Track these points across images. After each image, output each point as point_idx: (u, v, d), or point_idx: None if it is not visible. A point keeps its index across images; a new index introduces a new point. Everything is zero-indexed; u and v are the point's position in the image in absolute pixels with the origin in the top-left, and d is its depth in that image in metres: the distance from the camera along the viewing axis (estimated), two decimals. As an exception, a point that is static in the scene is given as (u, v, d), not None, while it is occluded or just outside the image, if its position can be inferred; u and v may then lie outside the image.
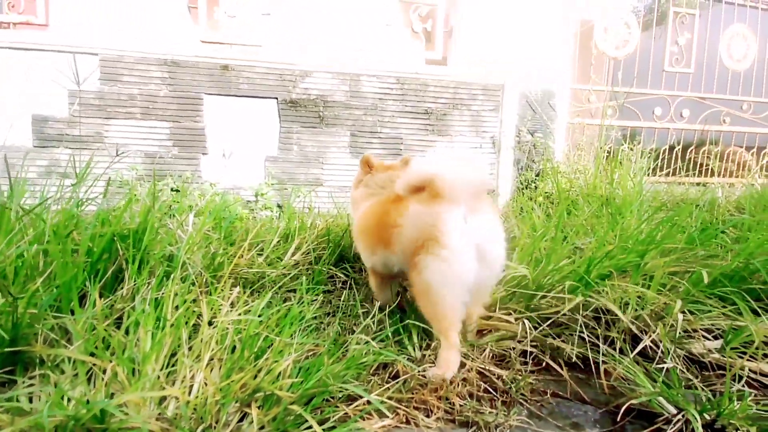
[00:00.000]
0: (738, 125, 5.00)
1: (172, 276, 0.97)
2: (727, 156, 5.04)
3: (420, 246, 1.07)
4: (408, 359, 0.97)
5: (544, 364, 0.99)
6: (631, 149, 2.68)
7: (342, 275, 1.51)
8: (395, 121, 3.81)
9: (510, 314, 1.09)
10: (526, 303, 1.12)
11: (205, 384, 0.71)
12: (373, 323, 1.10)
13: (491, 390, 0.91)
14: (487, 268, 1.08)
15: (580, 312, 1.02)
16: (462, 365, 0.97)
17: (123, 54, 3.26)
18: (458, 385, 0.90)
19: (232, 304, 1.01)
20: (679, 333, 0.97)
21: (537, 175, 3.75)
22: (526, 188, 3.69)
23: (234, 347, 0.81)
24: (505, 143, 4.01)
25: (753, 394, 0.83)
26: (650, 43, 4.67)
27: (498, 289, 1.17)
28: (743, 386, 0.84)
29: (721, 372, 0.92)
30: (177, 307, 0.87)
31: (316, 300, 1.26)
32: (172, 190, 3.03)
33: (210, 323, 0.86)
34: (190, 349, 0.80)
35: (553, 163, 3.85)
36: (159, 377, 0.72)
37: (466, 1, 3.92)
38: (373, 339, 0.98)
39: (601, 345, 0.98)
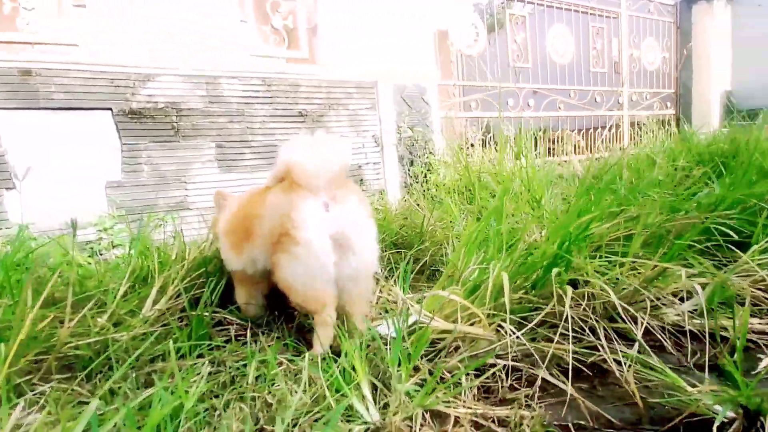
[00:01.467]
0: (570, 110, 5.81)
1: None
2: (565, 138, 5.87)
3: (276, 242, 1.00)
4: (365, 429, 0.65)
5: (538, 380, 0.77)
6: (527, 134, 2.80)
7: (236, 319, 1.11)
8: (267, 126, 3.39)
9: (478, 321, 0.86)
10: (493, 303, 0.90)
11: None
12: (299, 385, 0.75)
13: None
14: (353, 259, 1.03)
15: (566, 301, 0.83)
16: (445, 418, 0.69)
17: None
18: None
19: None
20: (650, 303, 0.87)
21: (428, 170, 3.72)
22: (417, 182, 3.64)
23: None
24: (387, 141, 3.91)
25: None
26: (496, 42, 5.13)
27: (455, 291, 0.93)
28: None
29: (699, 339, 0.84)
30: None
31: (199, 367, 0.84)
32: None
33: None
34: None
35: (436, 156, 3.88)
36: None
37: (327, -3, 3.71)
38: (307, 411, 0.64)
39: (605, 343, 0.78)
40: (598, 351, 0.80)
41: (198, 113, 3.11)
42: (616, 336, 0.82)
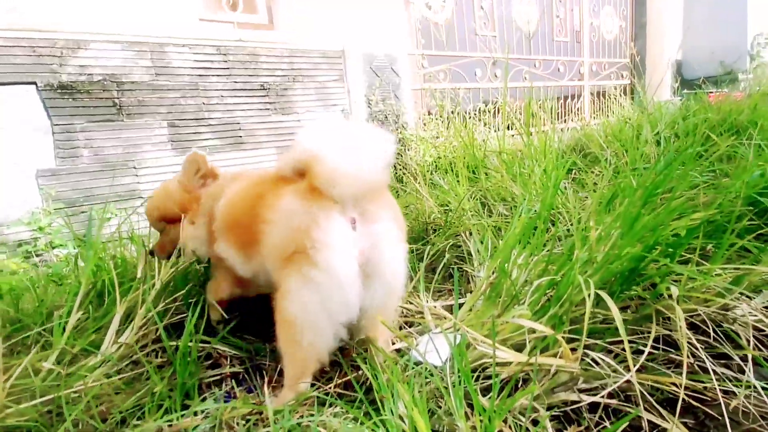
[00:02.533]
0: (535, 81, 5.76)
1: None
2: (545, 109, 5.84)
3: (287, 258, 0.78)
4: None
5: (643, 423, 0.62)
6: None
7: (229, 350, 0.89)
8: (225, 102, 3.05)
9: (556, 352, 0.68)
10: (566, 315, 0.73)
11: None
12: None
13: None
14: (379, 289, 0.83)
15: (678, 322, 0.66)
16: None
17: None
18: None
19: None
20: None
21: (403, 146, 3.53)
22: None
23: None
24: (357, 115, 3.66)
25: None
26: (462, 8, 4.92)
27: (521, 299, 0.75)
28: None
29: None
30: None
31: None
32: None
33: None
34: None
35: (408, 130, 3.70)
36: None
37: (284, -47, 3.32)
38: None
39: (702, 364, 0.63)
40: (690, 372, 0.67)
41: (144, 87, 2.71)
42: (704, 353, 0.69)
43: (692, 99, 4.49)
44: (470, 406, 0.61)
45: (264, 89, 3.20)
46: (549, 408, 0.63)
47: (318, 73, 3.46)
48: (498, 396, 0.56)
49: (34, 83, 2.39)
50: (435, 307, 0.92)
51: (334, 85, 3.55)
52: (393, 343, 0.86)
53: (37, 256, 2.16)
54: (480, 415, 0.53)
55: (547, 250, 0.84)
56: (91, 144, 2.56)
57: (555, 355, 0.67)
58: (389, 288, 0.83)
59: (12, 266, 1.77)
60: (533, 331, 0.70)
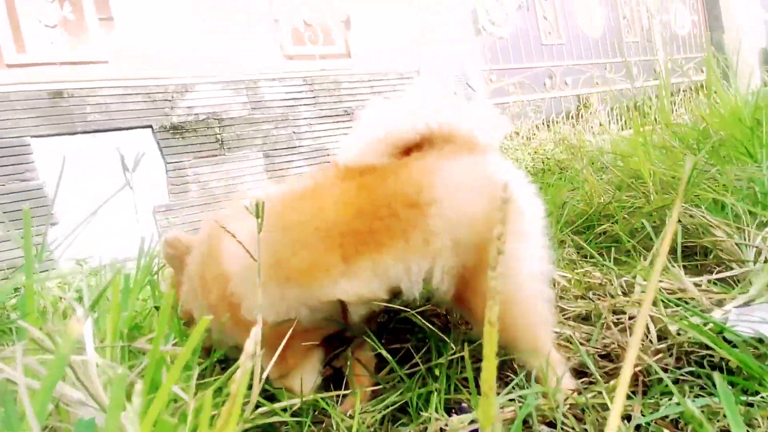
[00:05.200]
0: (606, 85, 5.48)
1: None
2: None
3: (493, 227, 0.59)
4: None
5: None
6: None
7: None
8: (314, 129, 3.11)
9: None
10: None
11: None
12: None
13: None
14: None
15: None
16: None
17: None
18: None
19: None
20: None
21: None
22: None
23: None
24: (438, 133, 3.60)
25: None
26: (525, 20, 4.85)
27: None
28: None
29: None
30: None
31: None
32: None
33: None
34: None
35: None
36: None
37: (358, -15, 3.46)
38: None
39: None
40: None
41: (241, 121, 2.84)
42: None
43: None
44: None
45: (348, 114, 3.25)
46: None
47: (395, 94, 3.47)
48: None
49: (150, 126, 2.57)
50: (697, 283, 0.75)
51: (412, 105, 3.55)
52: None
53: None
54: None
55: None
56: (198, 179, 2.68)
57: None
58: None
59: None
60: None
